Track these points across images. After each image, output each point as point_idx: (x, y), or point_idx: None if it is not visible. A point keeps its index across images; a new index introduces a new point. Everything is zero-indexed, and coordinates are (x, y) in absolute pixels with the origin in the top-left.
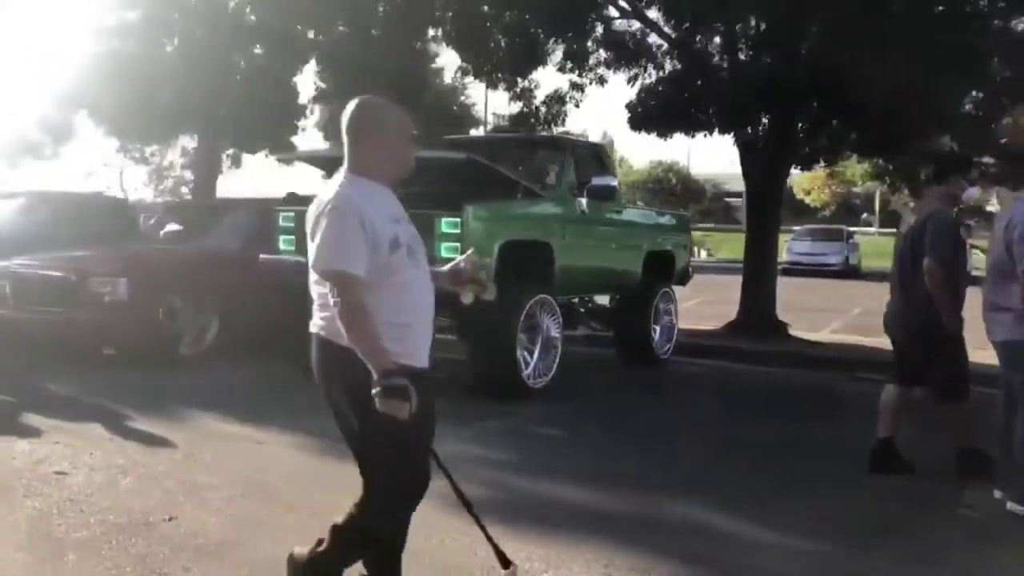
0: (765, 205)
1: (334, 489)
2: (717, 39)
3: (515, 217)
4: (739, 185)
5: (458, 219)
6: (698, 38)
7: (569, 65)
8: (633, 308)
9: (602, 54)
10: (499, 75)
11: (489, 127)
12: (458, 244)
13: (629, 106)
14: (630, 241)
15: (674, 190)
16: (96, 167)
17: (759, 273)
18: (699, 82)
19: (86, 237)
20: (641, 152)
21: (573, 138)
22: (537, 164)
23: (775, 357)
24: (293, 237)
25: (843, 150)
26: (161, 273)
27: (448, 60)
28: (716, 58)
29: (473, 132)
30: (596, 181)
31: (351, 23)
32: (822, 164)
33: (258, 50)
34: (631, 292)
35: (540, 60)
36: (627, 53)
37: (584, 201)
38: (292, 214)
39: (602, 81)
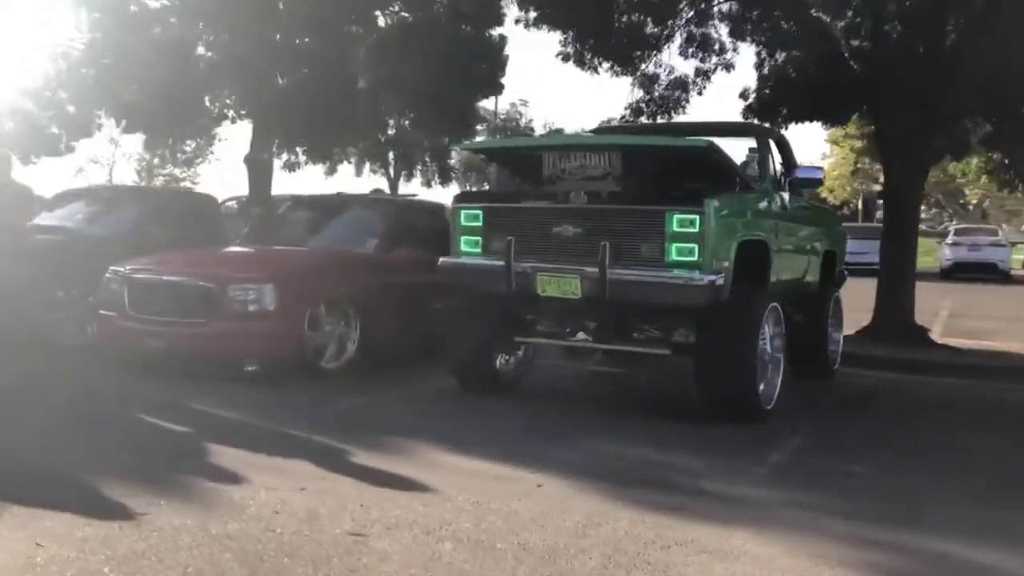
0: (903, 203)
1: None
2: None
3: (750, 214)
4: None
5: (696, 216)
6: (839, 25)
7: (691, 49)
8: (810, 315)
9: (723, 32)
10: (601, 59)
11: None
12: (695, 246)
13: (756, 91)
14: (814, 240)
15: None
16: (89, 163)
17: (898, 276)
18: (840, 70)
19: (180, 236)
20: None
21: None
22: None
23: (947, 368)
24: (479, 239)
25: (972, 145)
26: (307, 278)
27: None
28: (857, 44)
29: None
30: (802, 172)
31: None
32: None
33: (307, 40)
34: (810, 297)
35: (660, 43)
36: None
37: (787, 195)
38: (478, 211)
39: (728, 67)
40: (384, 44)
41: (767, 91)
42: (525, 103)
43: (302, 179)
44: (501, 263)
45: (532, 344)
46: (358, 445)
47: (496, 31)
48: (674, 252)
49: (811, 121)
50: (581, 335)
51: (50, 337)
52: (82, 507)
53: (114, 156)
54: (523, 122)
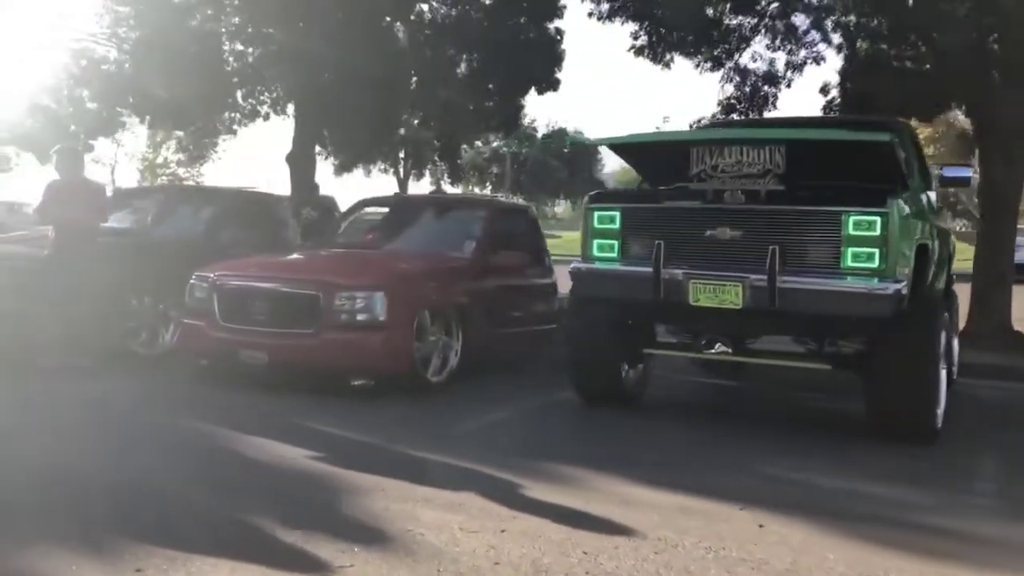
0: (1004, 201)
1: None
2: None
3: (924, 215)
4: None
5: (878, 217)
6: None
7: (779, 42)
8: None
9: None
10: (681, 53)
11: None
12: (876, 251)
13: (840, 85)
14: (946, 242)
15: None
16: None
17: (996, 279)
18: (940, 58)
19: (250, 239)
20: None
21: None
22: None
23: None
24: (616, 242)
25: None
26: (414, 285)
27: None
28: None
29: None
30: (950, 171)
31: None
32: None
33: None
34: None
35: (749, 35)
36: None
37: (933, 195)
38: (615, 213)
39: (818, 60)
40: (432, 36)
41: (849, 84)
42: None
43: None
44: (647, 269)
45: (659, 356)
46: (515, 471)
47: (554, 24)
48: (850, 257)
49: (905, 116)
50: (719, 347)
51: (123, 346)
52: (271, 558)
53: (116, 156)
54: (526, 121)
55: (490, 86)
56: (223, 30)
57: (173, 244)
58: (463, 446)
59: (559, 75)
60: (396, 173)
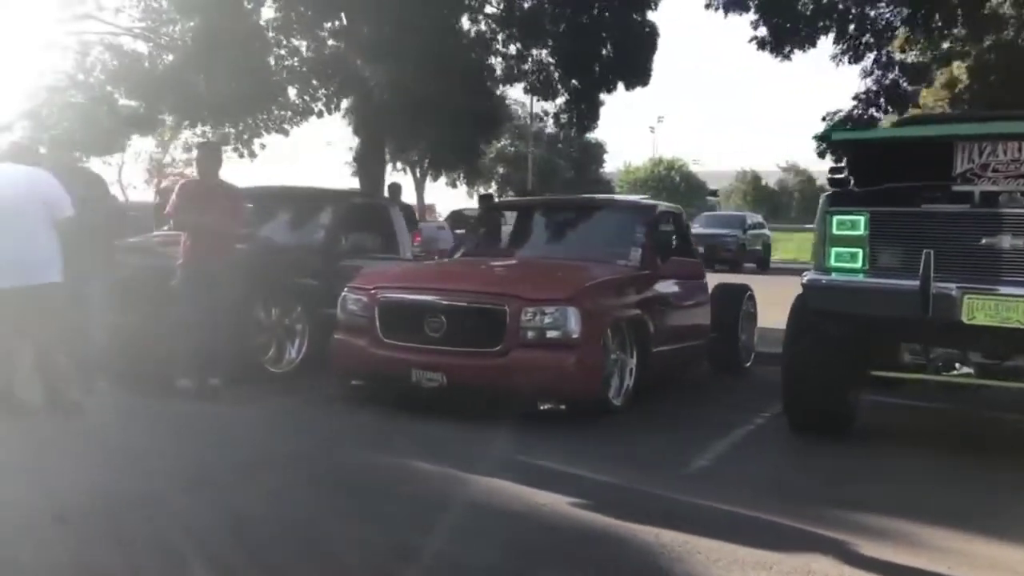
0: None
1: None
2: None
3: None
4: None
5: None
6: None
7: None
8: None
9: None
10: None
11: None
12: None
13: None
14: None
15: (678, 188)
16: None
17: None
18: None
19: (371, 245)
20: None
21: None
22: None
23: None
24: (861, 251)
25: None
26: (602, 298)
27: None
28: None
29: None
30: None
31: None
32: None
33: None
34: None
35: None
36: None
37: None
38: (861, 217)
39: (965, 56)
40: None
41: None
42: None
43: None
44: (908, 282)
45: (892, 379)
46: (803, 519)
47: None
48: None
49: None
50: (962, 368)
51: (253, 363)
52: None
53: (123, 158)
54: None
55: (573, 81)
56: (273, 25)
57: (293, 251)
58: (712, 485)
59: (651, 67)
60: (413, 174)
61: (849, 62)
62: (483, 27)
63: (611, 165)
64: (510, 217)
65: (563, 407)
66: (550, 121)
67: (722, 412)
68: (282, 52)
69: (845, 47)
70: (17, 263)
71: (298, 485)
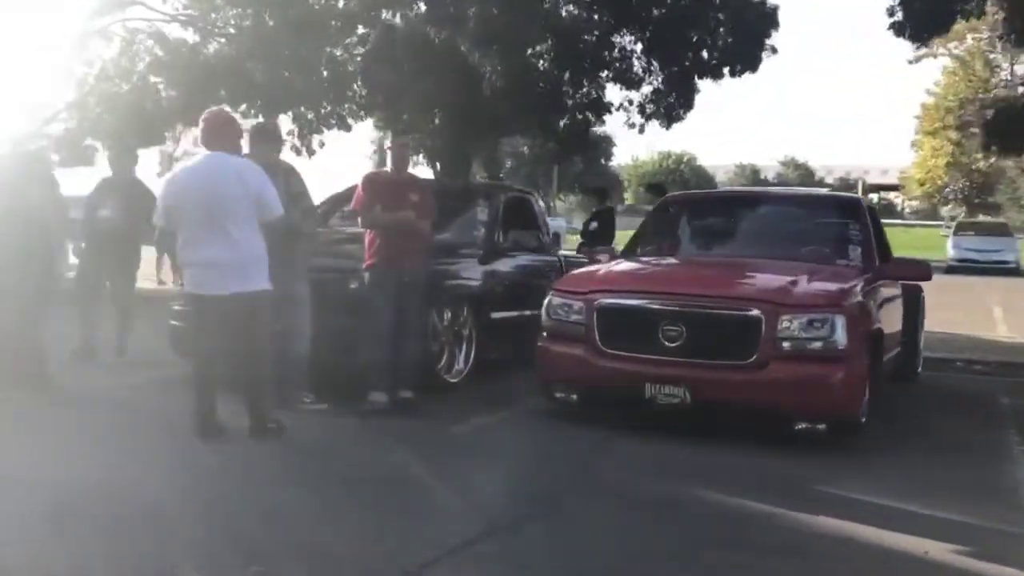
0: None
1: None
2: None
3: None
4: None
5: None
6: None
7: None
8: None
9: None
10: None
11: None
12: None
13: None
14: None
15: (687, 181)
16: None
17: None
18: None
19: (523, 241)
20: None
21: None
22: None
23: None
24: None
25: None
26: (865, 305)
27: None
28: None
29: None
30: None
31: None
32: None
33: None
34: None
35: None
36: None
37: None
38: None
39: None
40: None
41: None
42: None
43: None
44: None
45: None
46: None
47: None
48: None
49: None
50: None
51: (431, 372)
52: None
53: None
54: None
55: (670, 71)
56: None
57: (455, 248)
58: None
59: (762, 51)
60: (432, 165)
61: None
62: (574, 9)
63: (619, 158)
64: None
65: (822, 426)
66: (635, 112)
67: (966, 429)
68: (354, 40)
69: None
70: (228, 268)
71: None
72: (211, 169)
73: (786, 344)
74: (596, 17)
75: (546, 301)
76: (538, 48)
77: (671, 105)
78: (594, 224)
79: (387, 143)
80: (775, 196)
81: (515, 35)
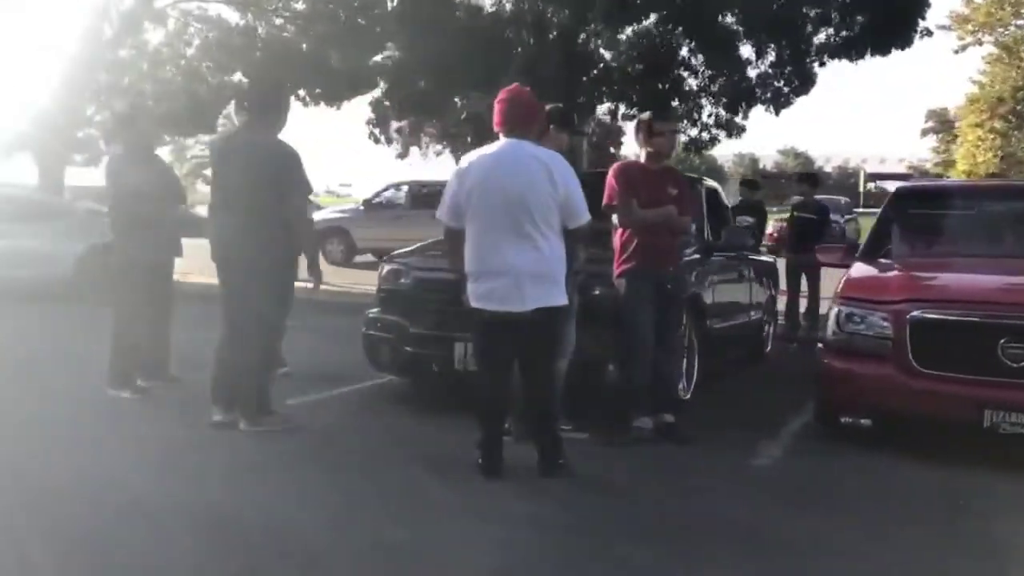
0: None
1: None
2: None
3: None
4: None
5: None
6: None
7: None
8: None
9: None
10: None
11: None
12: None
13: None
14: None
15: (698, 170)
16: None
17: None
18: None
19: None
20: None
21: None
22: None
23: None
24: None
25: None
26: None
27: None
28: None
29: None
30: None
31: None
32: None
33: None
34: None
35: None
36: None
37: None
38: None
39: None
40: None
41: None
42: None
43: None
44: None
45: None
46: None
47: None
48: None
49: None
50: None
51: None
52: None
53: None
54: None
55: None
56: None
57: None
58: None
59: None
60: (456, 156)
61: None
62: None
63: (628, 147)
64: None
65: None
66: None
67: None
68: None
69: None
70: (530, 278)
71: None
72: (514, 159)
73: None
74: None
75: (833, 311)
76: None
77: (778, 90)
78: (747, 219)
79: (655, 125)
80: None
81: None
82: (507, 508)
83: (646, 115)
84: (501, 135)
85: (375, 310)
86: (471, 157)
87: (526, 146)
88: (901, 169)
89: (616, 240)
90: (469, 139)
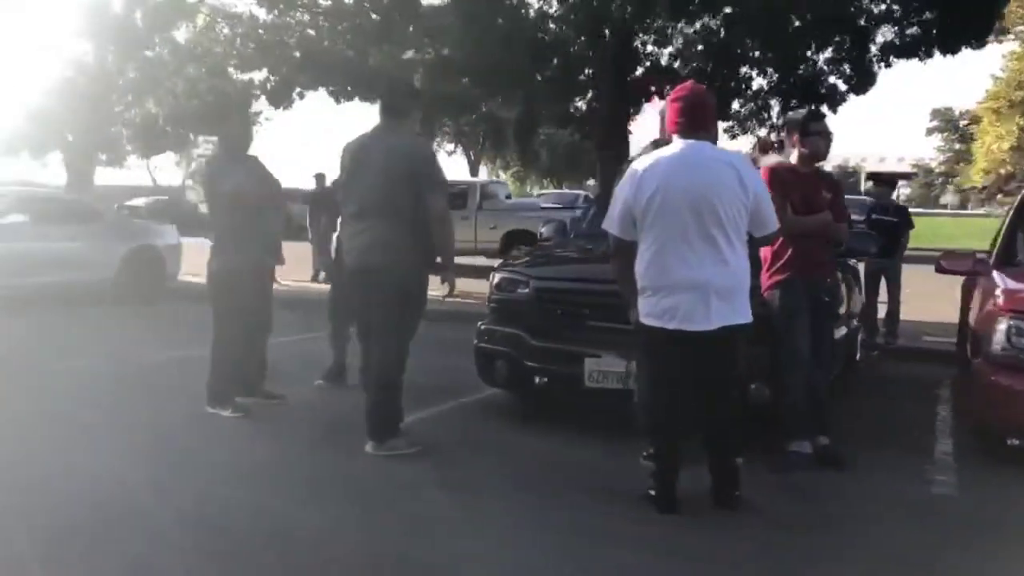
0: None
1: None
2: None
3: None
4: None
5: None
6: None
7: None
8: None
9: None
10: None
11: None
12: None
13: None
14: None
15: None
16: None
17: None
18: None
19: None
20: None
21: None
22: None
23: None
24: None
25: None
26: None
27: None
28: None
29: None
30: None
31: None
32: None
33: None
34: None
35: None
36: None
37: None
38: None
39: None
40: None
41: None
42: None
43: None
44: None
45: None
46: None
47: None
48: None
49: None
50: None
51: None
52: None
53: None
54: None
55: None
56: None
57: None
58: None
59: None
60: (468, 155)
61: None
62: None
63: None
64: None
65: None
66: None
67: None
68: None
69: None
70: (716, 293)
71: None
72: (701, 162)
73: None
74: None
75: (1001, 326)
76: None
77: (833, 87)
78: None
79: (810, 125)
80: None
81: None
82: (680, 540)
83: (799, 114)
84: (676, 137)
85: (487, 321)
86: (645, 161)
87: (709, 147)
88: (902, 168)
89: (764, 249)
90: (482, 138)
